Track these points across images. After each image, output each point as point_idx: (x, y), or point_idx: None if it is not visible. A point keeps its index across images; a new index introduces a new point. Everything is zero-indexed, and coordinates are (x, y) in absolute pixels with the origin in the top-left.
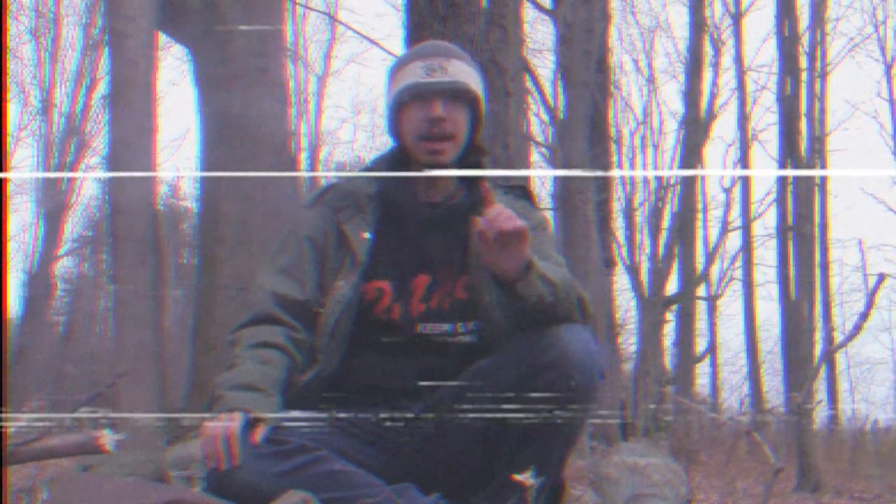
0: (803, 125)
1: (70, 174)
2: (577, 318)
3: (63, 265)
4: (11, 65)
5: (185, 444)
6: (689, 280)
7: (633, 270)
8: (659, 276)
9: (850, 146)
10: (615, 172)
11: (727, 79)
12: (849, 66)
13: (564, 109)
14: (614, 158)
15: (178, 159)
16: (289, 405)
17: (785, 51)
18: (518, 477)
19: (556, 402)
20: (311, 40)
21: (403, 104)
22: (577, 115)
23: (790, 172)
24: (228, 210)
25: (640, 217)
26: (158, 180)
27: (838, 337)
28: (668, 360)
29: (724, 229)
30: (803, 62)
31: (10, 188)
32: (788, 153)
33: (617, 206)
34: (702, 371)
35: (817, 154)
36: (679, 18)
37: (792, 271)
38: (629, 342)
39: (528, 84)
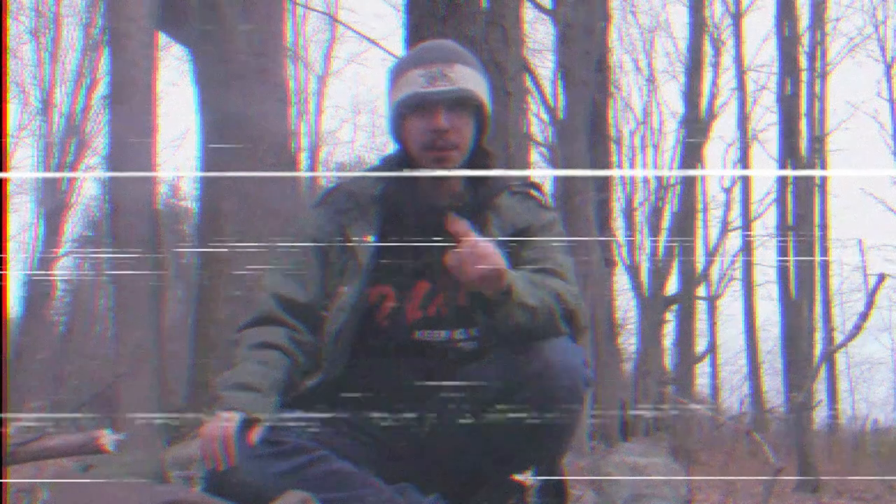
0: (803, 125)
1: (70, 174)
2: (563, 332)
3: (63, 265)
4: (11, 65)
5: (185, 444)
6: (689, 280)
7: (633, 270)
8: (659, 276)
9: (850, 146)
10: (615, 172)
11: (727, 79)
12: (849, 66)
13: (564, 109)
14: (614, 158)
15: (178, 159)
16: (294, 410)
17: (785, 51)
18: (518, 477)
19: (540, 411)
20: (311, 40)
21: (405, 114)
22: (576, 115)
23: (790, 172)
24: (228, 209)
25: (640, 217)
26: (158, 180)
27: (838, 337)
28: (668, 360)
29: (724, 229)
30: (803, 62)
31: (10, 188)
32: (788, 153)
33: (617, 206)
34: (702, 371)
35: (817, 154)
36: (679, 18)
37: (792, 271)
38: (629, 342)
39: (528, 84)
